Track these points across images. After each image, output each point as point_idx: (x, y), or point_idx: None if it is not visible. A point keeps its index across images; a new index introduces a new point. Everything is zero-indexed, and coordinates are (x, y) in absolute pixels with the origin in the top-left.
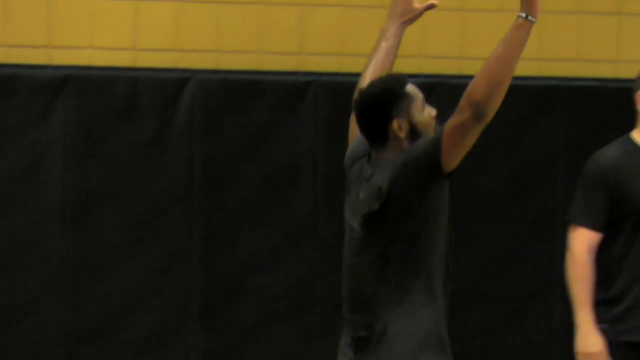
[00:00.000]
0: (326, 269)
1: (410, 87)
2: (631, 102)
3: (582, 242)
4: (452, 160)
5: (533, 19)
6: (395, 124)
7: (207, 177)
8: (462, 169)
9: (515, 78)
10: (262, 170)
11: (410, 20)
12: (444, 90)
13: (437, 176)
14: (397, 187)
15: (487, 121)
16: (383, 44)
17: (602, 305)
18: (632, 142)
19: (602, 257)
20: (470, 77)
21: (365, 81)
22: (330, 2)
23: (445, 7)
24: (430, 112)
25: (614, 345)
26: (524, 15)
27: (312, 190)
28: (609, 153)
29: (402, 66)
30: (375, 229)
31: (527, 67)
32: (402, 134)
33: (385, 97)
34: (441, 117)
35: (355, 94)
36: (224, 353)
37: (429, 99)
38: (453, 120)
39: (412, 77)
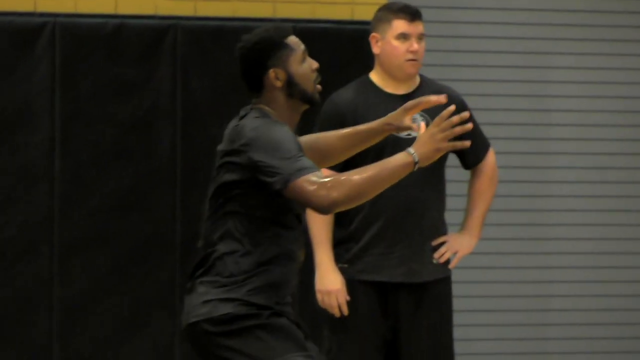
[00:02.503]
0: (61, 211)
1: (292, 39)
2: (367, 44)
3: None
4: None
5: (417, 162)
6: (272, 73)
7: None
8: (198, 114)
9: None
10: None
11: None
12: None
13: (267, 190)
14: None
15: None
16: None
17: (341, 245)
18: (370, 83)
19: None
20: None
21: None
22: None
23: None
24: (311, 64)
25: (352, 283)
26: (413, 154)
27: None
28: (347, 94)
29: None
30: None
31: (263, 8)
32: (278, 84)
33: (263, 46)
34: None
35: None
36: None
37: None
38: (306, 185)
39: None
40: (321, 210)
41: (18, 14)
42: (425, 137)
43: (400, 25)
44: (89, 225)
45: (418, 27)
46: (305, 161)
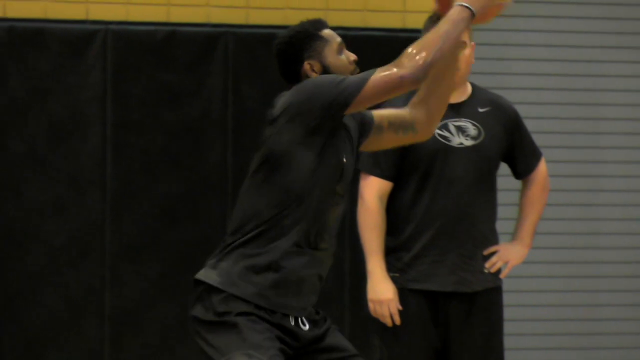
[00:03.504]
0: (112, 218)
1: (327, 31)
2: None
3: (372, 190)
4: (358, 107)
5: (475, 13)
6: (307, 65)
7: None
8: (247, 119)
9: None
10: (48, 118)
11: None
12: None
13: (336, 117)
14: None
15: (416, 86)
16: None
17: (393, 254)
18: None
19: (392, 206)
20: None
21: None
22: None
23: None
24: (349, 56)
25: (404, 292)
26: (468, 6)
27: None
28: (399, 103)
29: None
30: None
31: (315, 16)
32: (314, 75)
33: (298, 38)
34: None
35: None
36: (12, 300)
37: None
38: (387, 71)
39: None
40: (416, 78)
41: (70, 21)
42: None
43: None
44: (140, 232)
45: None
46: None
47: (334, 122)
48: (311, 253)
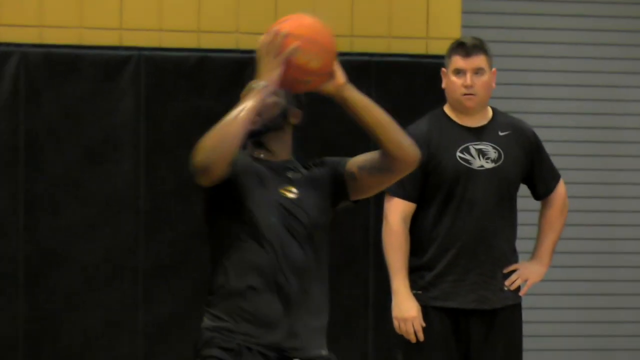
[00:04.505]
0: (145, 239)
1: None
2: (440, 77)
3: (396, 212)
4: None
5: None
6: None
7: (31, 148)
8: None
9: None
10: (83, 141)
11: None
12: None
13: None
14: None
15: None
16: None
17: (416, 272)
18: (443, 115)
19: (416, 227)
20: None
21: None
22: None
23: None
24: None
25: (426, 309)
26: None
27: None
28: (421, 126)
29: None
30: None
31: (340, 43)
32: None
33: None
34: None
35: None
36: (48, 318)
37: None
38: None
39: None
40: (198, 171)
41: (104, 47)
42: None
43: (456, 60)
44: (172, 252)
45: (474, 62)
46: None
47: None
48: None
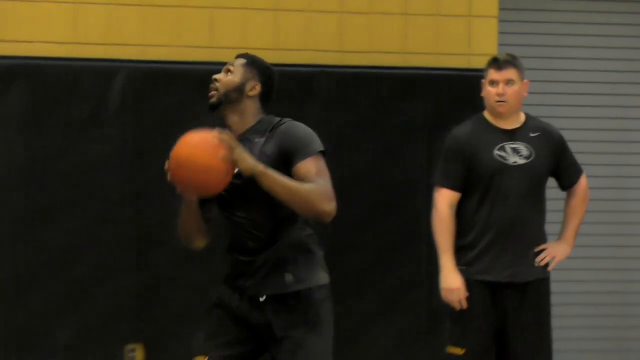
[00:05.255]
0: None
1: None
2: (480, 88)
3: (444, 200)
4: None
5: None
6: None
7: (137, 148)
8: (340, 144)
9: (382, 67)
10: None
11: None
12: None
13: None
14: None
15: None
16: None
17: (460, 251)
18: (483, 119)
19: (460, 213)
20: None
21: None
22: (235, 5)
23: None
24: None
25: (469, 282)
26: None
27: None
28: (464, 129)
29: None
30: None
31: (395, 58)
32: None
33: None
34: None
35: None
36: (157, 287)
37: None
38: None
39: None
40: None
41: (196, 63)
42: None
43: (490, 73)
44: None
45: (505, 74)
46: None
47: None
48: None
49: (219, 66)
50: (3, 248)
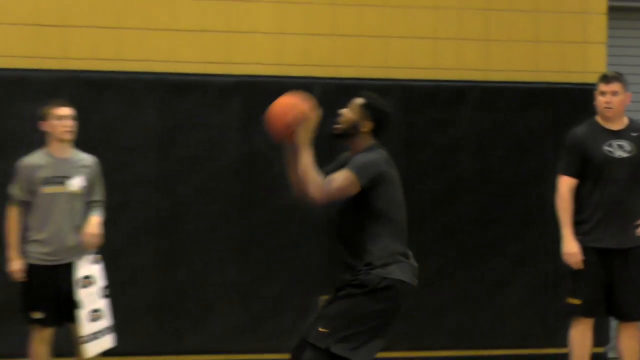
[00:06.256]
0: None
1: None
2: (593, 98)
3: (565, 185)
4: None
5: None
6: None
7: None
8: (482, 143)
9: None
10: None
11: None
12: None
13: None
14: None
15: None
16: None
17: (577, 225)
18: (596, 123)
19: (577, 196)
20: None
21: None
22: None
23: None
24: None
25: (585, 249)
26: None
27: None
28: (581, 129)
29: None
30: None
31: (526, 75)
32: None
33: None
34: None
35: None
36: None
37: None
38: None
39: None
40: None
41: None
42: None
43: (601, 86)
44: None
45: (611, 87)
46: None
47: None
48: None
49: (391, 82)
50: (228, 223)
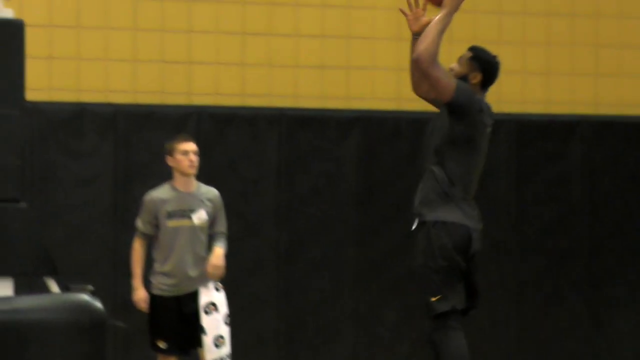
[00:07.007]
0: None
1: None
2: None
3: None
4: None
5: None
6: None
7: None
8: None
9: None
10: None
11: None
12: None
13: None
14: None
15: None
16: None
17: None
18: None
19: None
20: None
21: None
22: None
23: None
24: None
25: None
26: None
27: None
28: None
29: None
30: None
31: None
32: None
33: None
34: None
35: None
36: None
37: None
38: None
39: None
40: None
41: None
42: None
43: None
44: None
45: None
46: None
47: None
48: None
49: (504, 116)
50: (347, 252)
